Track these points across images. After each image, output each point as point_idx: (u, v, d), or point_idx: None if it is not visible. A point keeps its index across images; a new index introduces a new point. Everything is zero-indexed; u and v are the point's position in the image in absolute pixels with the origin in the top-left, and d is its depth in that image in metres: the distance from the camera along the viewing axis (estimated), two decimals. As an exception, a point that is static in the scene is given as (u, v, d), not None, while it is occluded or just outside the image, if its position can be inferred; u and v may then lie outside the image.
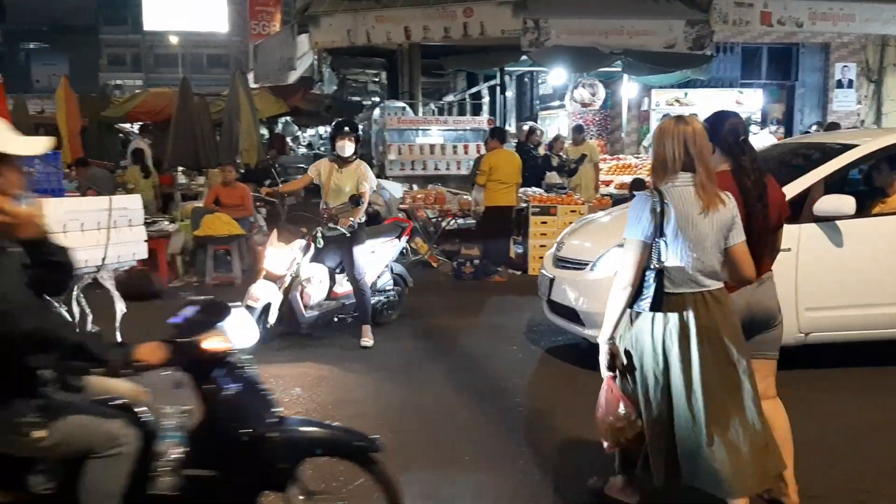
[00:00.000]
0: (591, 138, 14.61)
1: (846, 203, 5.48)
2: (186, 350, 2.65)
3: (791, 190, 5.68)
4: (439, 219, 11.07)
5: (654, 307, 3.25)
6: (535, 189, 10.88)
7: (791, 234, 5.53)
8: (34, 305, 2.57)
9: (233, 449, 2.73)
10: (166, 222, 10.13)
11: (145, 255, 5.41)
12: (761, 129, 15.23)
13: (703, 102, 15.15)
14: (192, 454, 2.70)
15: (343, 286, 6.98)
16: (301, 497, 2.87)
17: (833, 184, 5.74)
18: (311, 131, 27.04)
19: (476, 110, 19.87)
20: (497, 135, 10.24)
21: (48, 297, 2.79)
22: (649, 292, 3.25)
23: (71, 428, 2.58)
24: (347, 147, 6.63)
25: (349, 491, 3.06)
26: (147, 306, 8.34)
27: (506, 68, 17.01)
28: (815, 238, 5.58)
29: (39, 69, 41.03)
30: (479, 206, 9.97)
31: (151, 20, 41.52)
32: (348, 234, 6.50)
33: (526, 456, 4.43)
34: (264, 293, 6.26)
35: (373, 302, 6.98)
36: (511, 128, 17.71)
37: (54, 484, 2.61)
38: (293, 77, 17.42)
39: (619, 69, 14.29)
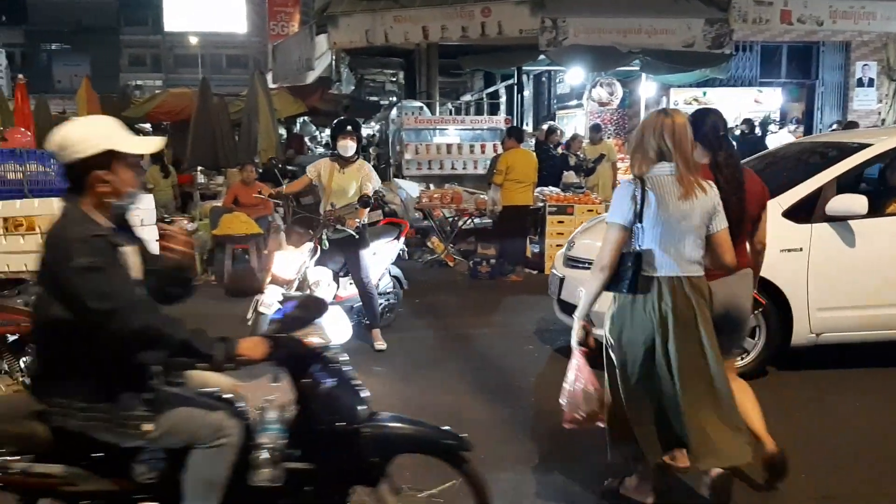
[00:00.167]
0: (608, 138, 14.56)
1: (858, 203, 5.44)
2: (286, 345, 2.70)
3: (803, 189, 5.65)
4: (456, 218, 11.09)
5: (631, 289, 3.39)
6: (552, 188, 10.87)
7: (803, 233, 5.52)
8: (143, 303, 2.62)
9: (329, 442, 2.78)
10: (185, 221, 10.22)
11: (156, 254, 5.49)
12: (780, 128, 15.12)
13: (722, 101, 15.05)
14: (289, 447, 2.74)
15: (347, 289, 6.78)
16: (391, 493, 2.90)
17: (847, 183, 5.70)
18: (328, 131, 27.11)
19: (493, 110, 19.86)
20: (514, 134, 10.24)
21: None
22: (627, 275, 3.39)
23: (177, 419, 2.63)
24: (350, 146, 6.42)
25: (438, 489, 3.08)
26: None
27: (523, 68, 16.98)
28: (828, 238, 5.54)
29: (61, 70, 41.46)
30: (496, 205, 9.98)
31: (171, 21, 41.86)
32: (356, 236, 6.33)
33: (541, 456, 4.44)
34: (275, 299, 6.08)
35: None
36: (528, 127, 17.70)
37: (157, 473, 2.66)
38: (311, 77, 17.51)
39: (638, 68, 14.24)
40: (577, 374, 3.54)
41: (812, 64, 16.27)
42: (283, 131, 18.86)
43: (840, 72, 16.19)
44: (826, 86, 16.29)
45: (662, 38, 12.88)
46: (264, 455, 2.68)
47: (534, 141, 14.08)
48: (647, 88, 15.44)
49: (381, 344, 6.56)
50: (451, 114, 20.98)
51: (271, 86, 16.62)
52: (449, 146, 13.92)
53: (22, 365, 4.67)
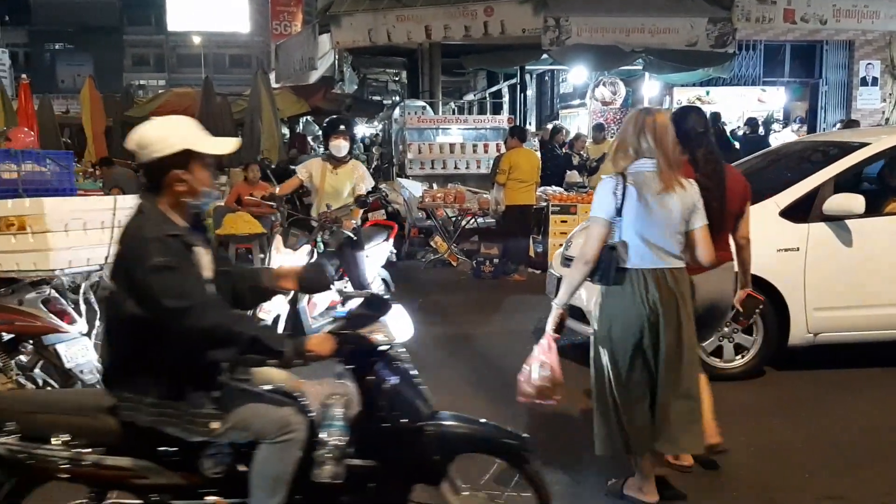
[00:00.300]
0: (612, 137, 14.55)
1: (856, 202, 5.43)
2: (352, 342, 2.72)
3: (800, 189, 5.64)
4: (459, 217, 11.09)
5: (610, 281, 3.52)
6: (555, 188, 10.87)
7: (800, 233, 5.51)
8: (214, 302, 2.66)
9: (392, 440, 2.79)
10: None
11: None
12: (784, 127, 15.10)
13: (726, 101, 15.07)
14: (352, 444, 2.75)
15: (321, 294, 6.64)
16: (452, 492, 2.90)
17: (845, 182, 5.69)
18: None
19: (496, 109, 19.85)
20: (517, 134, 10.24)
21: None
22: (602, 267, 3.53)
23: (245, 415, 2.66)
24: (343, 146, 6.31)
25: (498, 489, 3.07)
26: None
27: (526, 67, 16.99)
28: (825, 237, 5.52)
29: (64, 69, 41.49)
30: (499, 204, 9.98)
31: (175, 21, 41.88)
32: (354, 238, 6.20)
33: (543, 456, 4.42)
34: (274, 304, 5.84)
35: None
36: (531, 127, 17.68)
37: (223, 468, 2.68)
38: (314, 77, 17.53)
39: (641, 67, 14.24)
40: (544, 357, 3.65)
41: (815, 63, 16.24)
42: (286, 131, 18.88)
43: (843, 71, 16.15)
44: (829, 85, 16.25)
45: (665, 37, 12.86)
46: (327, 452, 2.70)
47: (538, 140, 14.09)
48: (650, 88, 15.44)
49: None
50: (453, 113, 20.99)
51: (274, 85, 16.62)
52: (452, 146, 13.92)
53: (15, 364, 4.68)
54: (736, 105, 15.08)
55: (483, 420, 3.08)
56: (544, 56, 14.22)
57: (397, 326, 2.87)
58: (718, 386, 5.46)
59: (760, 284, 5.38)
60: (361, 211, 6.36)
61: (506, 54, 15.32)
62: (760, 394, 5.48)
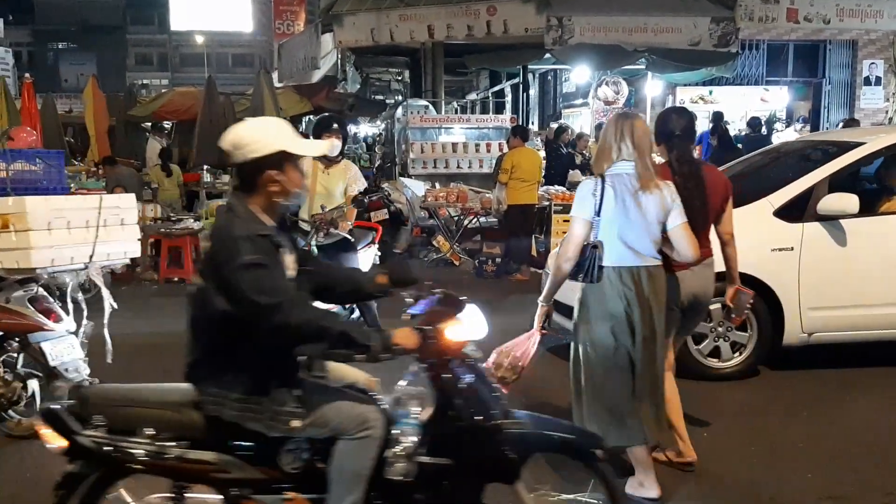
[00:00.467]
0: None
1: (850, 201, 5.43)
2: (434, 337, 2.72)
3: (794, 188, 5.64)
4: (461, 217, 11.09)
5: (590, 279, 3.69)
6: (557, 187, 10.87)
7: (794, 233, 5.51)
8: (303, 298, 2.71)
9: (467, 438, 2.78)
10: (191, 220, 10.25)
11: (138, 254, 5.45)
12: (787, 126, 15.07)
13: (728, 100, 15.04)
14: (426, 442, 2.76)
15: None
16: (527, 491, 2.90)
17: (841, 182, 5.68)
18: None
19: (499, 108, 19.85)
20: (519, 133, 10.24)
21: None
22: (587, 265, 3.68)
23: (325, 411, 2.69)
24: (336, 145, 6.06)
25: (570, 488, 3.09)
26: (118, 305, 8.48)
27: (529, 66, 17.00)
28: (819, 237, 5.53)
29: (67, 69, 41.57)
30: (502, 204, 9.98)
31: (178, 20, 41.87)
32: (352, 239, 6.04)
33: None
34: None
35: (355, 315, 6.30)
36: (534, 126, 17.68)
37: (302, 464, 2.71)
38: (317, 76, 17.52)
39: (643, 67, 14.22)
40: (524, 349, 3.81)
41: (819, 62, 16.20)
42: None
43: (847, 70, 16.11)
44: (833, 84, 16.21)
45: (668, 36, 12.85)
46: (400, 450, 2.71)
47: (543, 140, 14.07)
48: (652, 87, 15.43)
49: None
50: (456, 112, 21.01)
51: (277, 85, 16.62)
52: (454, 145, 13.92)
53: (1, 362, 4.71)
54: (739, 105, 15.05)
55: (557, 419, 3.11)
56: (547, 55, 14.21)
57: (472, 324, 2.88)
58: (716, 386, 5.50)
59: (755, 284, 5.41)
60: (355, 212, 6.20)
61: (508, 54, 15.31)
62: (760, 394, 5.48)
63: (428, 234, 11.42)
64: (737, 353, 5.61)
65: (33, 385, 4.72)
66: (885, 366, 5.93)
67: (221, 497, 2.74)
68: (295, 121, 20.03)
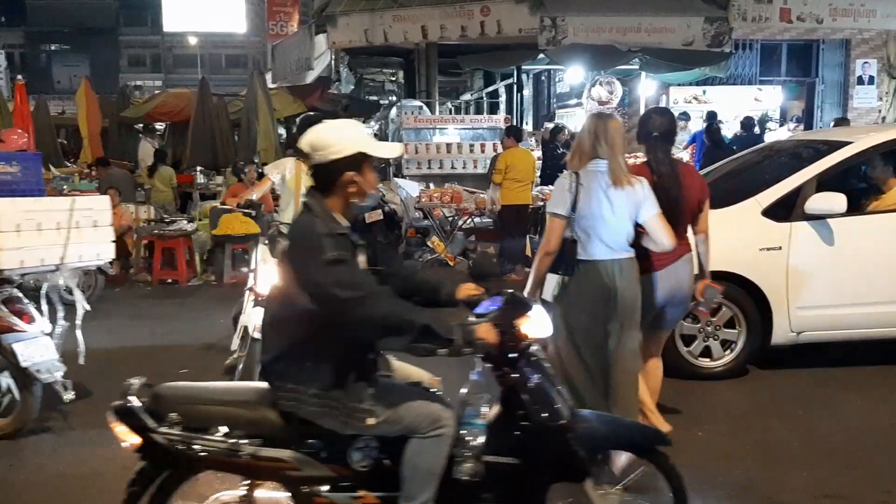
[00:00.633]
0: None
1: (837, 201, 5.44)
2: (509, 332, 2.74)
3: (782, 188, 5.65)
4: (456, 217, 11.08)
5: (568, 271, 3.88)
6: (552, 187, 10.85)
7: (782, 232, 5.52)
8: (386, 292, 2.72)
9: (536, 438, 2.79)
10: (185, 221, 10.22)
11: (111, 256, 5.43)
12: (780, 126, 15.09)
13: (722, 100, 15.05)
14: (493, 442, 2.77)
15: None
16: (595, 489, 2.90)
17: (829, 181, 5.69)
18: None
19: (493, 109, 19.85)
20: (513, 133, 10.23)
21: None
22: (566, 258, 3.86)
23: (401, 409, 2.71)
24: None
25: (636, 485, 3.09)
26: (109, 307, 8.45)
27: (523, 67, 16.98)
28: (807, 236, 5.53)
29: (60, 70, 41.43)
30: (496, 204, 9.97)
31: (171, 21, 41.72)
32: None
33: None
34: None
35: None
36: (528, 126, 17.68)
37: (371, 462, 2.72)
38: (311, 77, 17.51)
39: (637, 67, 14.22)
40: None
41: (812, 62, 16.25)
42: (282, 131, 18.85)
43: (840, 70, 16.16)
44: (826, 84, 16.26)
45: (662, 36, 12.86)
46: (467, 449, 2.73)
47: (538, 139, 14.06)
48: (646, 87, 15.43)
49: None
50: (450, 113, 20.99)
51: (270, 86, 16.59)
52: (448, 145, 13.91)
53: None
54: (732, 104, 15.07)
55: (619, 417, 3.18)
56: (541, 56, 14.21)
57: (540, 323, 2.90)
58: (710, 386, 5.50)
59: (743, 283, 5.43)
60: None
61: (502, 54, 15.31)
62: (754, 393, 5.48)
63: (422, 234, 11.40)
64: (727, 351, 5.62)
65: (7, 382, 4.74)
66: (875, 364, 5.94)
67: (290, 494, 2.75)
68: (289, 122, 20.03)
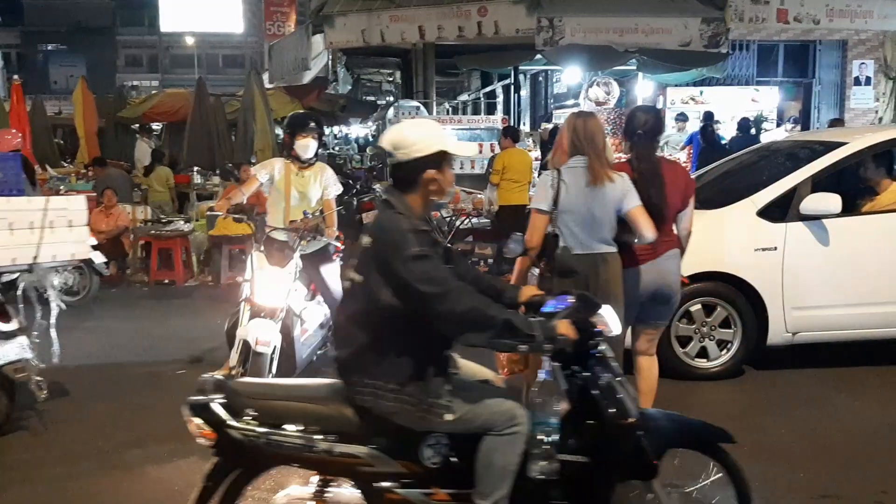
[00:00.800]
0: (605, 137, 14.54)
1: (832, 201, 5.45)
2: (586, 328, 2.78)
3: (777, 189, 5.66)
4: (453, 218, 11.06)
5: (549, 265, 3.96)
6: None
7: (777, 233, 5.53)
8: (468, 288, 2.76)
9: (606, 435, 2.81)
10: (181, 222, 10.21)
11: (86, 256, 5.46)
12: (777, 126, 15.11)
13: (719, 100, 15.06)
14: (563, 439, 2.78)
15: (310, 316, 5.72)
16: (662, 487, 2.92)
17: (824, 182, 5.70)
18: (325, 131, 27.13)
19: (490, 109, 19.86)
20: (510, 134, 10.23)
21: None
22: (548, 253, 3.95)
23: (477, 406, 2.73)
24: (311, 146, 5.54)
25: (699, 482, 3.13)
26: (106, 308, 8.44)
27: (520, 67, 16.99)
28: (802, 237, 5.55)
29: (57, 70, 41.32)
30: (493, 204, 9.97)
31: (168, 21, 41.72)
32: (341, 246, 5.65)
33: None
34: (270, 334, 4.85)
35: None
36: (525, 127, 17.67)
37: (441, 459, 2.73)
38: (308, 77, 17.47)
39: (634, 67, 14.23)
40: None
41: (809, 63, 16.25)
42: (279, 131, 18.82)
43: (837, 70, 16.17)
44: (823, 84, 16.27)
45: (659, 37, 12.85)
46: (541, 447, 2.73)
47: (536, 140, 14.06)
48: (643, 88, 15.44)
49: None
50: (448, 113, 21.00)
51: (267, 86, 16.55)
52: (446, 146, 13.88)
53: None
54: (729, 105, 15.07)
55: (682, 415, 3.17)
56: (538, 56, 14.20)
57: (611, 322, 2.93)
58: (706, 387, 5.51)
59: (738, 284, 5.44)
60: (336, 217, 5.75)
61: (499, 54, 15.30)
62: (751, 394, 5.49)
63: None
64: (723, 352, 5.63)
65: None
66: (870, 365, 5.95)
67: (360, 491, 2.77)
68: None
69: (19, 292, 5.00)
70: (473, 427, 2.72)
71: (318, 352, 5.85)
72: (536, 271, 4.24)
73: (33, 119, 14.43)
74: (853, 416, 5.04)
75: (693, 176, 7.21)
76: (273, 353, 4.89)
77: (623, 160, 4.36)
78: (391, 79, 23.10)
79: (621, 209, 3.98)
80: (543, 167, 10.72)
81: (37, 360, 4.88)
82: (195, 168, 14.11)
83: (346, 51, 16.70)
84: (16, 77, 14.59)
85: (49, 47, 43.44)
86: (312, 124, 5.60)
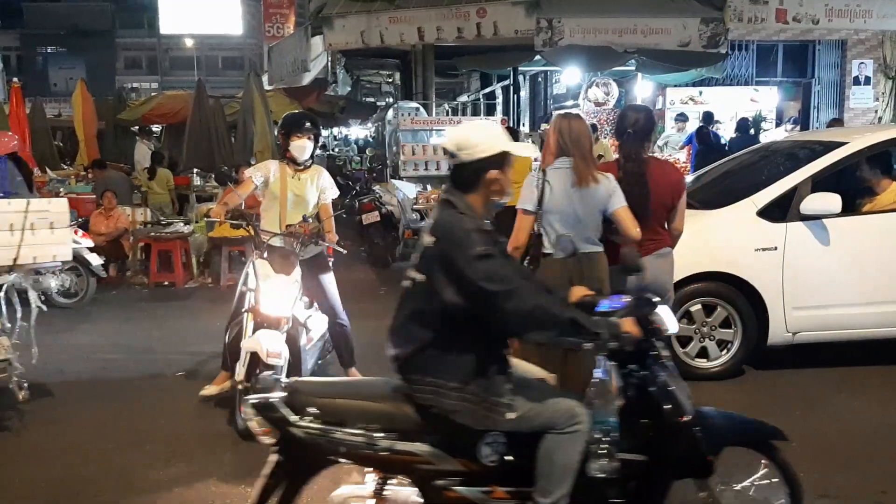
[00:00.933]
0: (605, 138, 14.56)
1: (832, 201, 5.45)
2: (648, 326, 2.81)
3: (777, 188, 5.66)
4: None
5: (533, 264, 4.01)
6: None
7: (777, 232, 5.53)
8: (533, 286, 2.81)
9: (663, 434, 2.83)
10: (181, 224, 10.20)
11: (68, 257, 5.47)
12: (776, 126, 15.11)
13: (719, 101, 15.06)
14: (622, 438, 2.79)
15: (315, 325, 5.37)
16: (718, 484, 2.93)
17: (824, 181, 5.69)
18: (324, 132, 27.18)
19: (490, 110, 19.87)
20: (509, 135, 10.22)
21: None
22: (532, 252, 4.02)
23: (538, 405, 2.75)
24: (307, 147, 5.26)
25: (753, 479, 3.14)
26: (105, 310, 8.45)
27: (519, 68, 16.99)
28: (802, 237, 5.55)
29: (57, 73, 41.37)
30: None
31: (167, 23, 41.79)
32: (344, 251, 5.33)
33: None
34: (280, 345, 4.62)
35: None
36: (525, 128, 17.67)
37: (498, 457, 2.73)
38: (307, 79, 17.47)
39: (633, 68, 14.22)
40: None
41: (808, 62, 16.24)
42: (279, 133, 18.83)
43: (836, 70, 16.16)
44: (822, 84, 16.26)
45: (658, 37, 12.84)
46: (600, 446, 2.75)
47: (535, 141, 14.03)
48: (643, 88, 15.44)
49: None
50: (447, 114, 21.01)
51: (267, 87, 16.56)
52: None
53: None
54: (729, 105, 15.08)
55: (734, 413, 3.21)
56: (537, 57, 14.20)
57: (669, 321, 2.93)
58: (707, 387, 5.50)
59: (739, 284, 5.44)
60: (333, 221, 5.50)
61: (499, 56, 15.31)
62: (750, 394, 5.48)
63: (420, 236, 11.37)
64: (723, 352, 5.63)
65: None
66: (871, 364, 5.94)
67: (417, 489, 2.78)
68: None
69: (1, 293, 5.02)
70: (534, 425, 2.73)
71: (319, 362, 5.64)
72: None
73: (33, 121, 14.44)
74: (853, 416, 5.04)
75: (692, 176, 7.23)
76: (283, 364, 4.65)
77: (613, 159, 4.48)
78: (390, 80, 23.10)
79: (607, 210, 4.04)
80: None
81: (18, 363, 4.89)
82: (195, 170, 14.11)
83: (346, 52, 16.70)
84: (15, 79, 14.61)
85: (49, 50, 43.52)
86: (308, 124, 5.31)
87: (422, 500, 2.79)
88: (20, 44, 42.73)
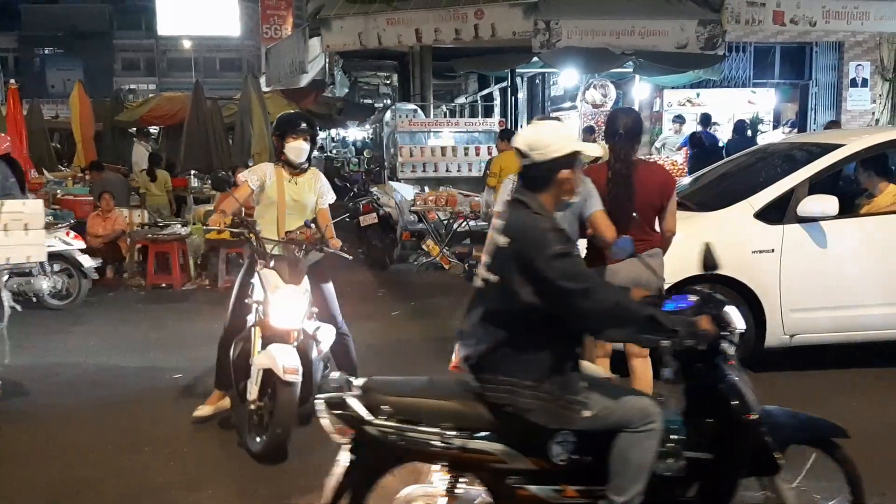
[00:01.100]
0: (602, 139, 14.57)
1: (830, 204, 5.45)
2: (721, 322, 2.85)
3: (774, 191, 5.66)
4: (451, 220, 11.07)
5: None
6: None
7: (775, 235, 5.53)
8: (609, 284, 2.85)
9: (731, 432, 2.83)
10: (179, 226, 10.19)
11: (42, 258, 5.50)
12: (773, 129, 15.12)
13: (716, 102, 15.08)
14: (690, 437, 2.81)
15: (324, 337, 4.97)
16: (785, 483, 2.93)
17: (821, 184, 5.70)
18: (322, 134, 27.18)
19: (487, 112, 19.86)
20: (507, 136, 10.22)
21: None
22: None
23: (612, 403, 2.76)
24: (304, 149, 4.99)
25: (815, 478, 3.18)
26: (102, 311, 8.43)
27: (517, 70, 16.99)
28: (800, 239, 5.55)
29: (54, 74, 41.36)
30: (491, 207, 9.95)
31: (165, 25, 41.80)
32: (349, 258, 5.03)
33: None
34: (295, 360, 4.33)
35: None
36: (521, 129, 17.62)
37: (568, 455, 2.74)
38: (305, 80, 17.48)
39: (631, 70, 14.25)
40: None
41: (805, 64, 16.27)
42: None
43: (833, 72, 16.19)
44: (819, 86, 16.29)
45: (655, 39, 12.87)
46: (669, 444, 2.76)
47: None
48: (640, 90, 15.47)
49: None
50: (445, 116, 20.99)
51: (264, 89, 16.56)
52: (443, 149, 13.91)
53: None
54: (726, 107, 15.10)
55: (797, 411, 3.23)
56: (535, 59, 14.21)
57: (738, 318, 2.97)
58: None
59: (736, 286, 5.44)
60: (332, 228, 5.20)
61: (496, 57, 15.31)
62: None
63: (417, 238, 11.39)
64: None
65: None
66: (868, 367, 5.94)
67: (485, 488, 2.78)
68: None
69: None
70: (609, 424, 2.73)
71: (325, 374, 5.15)
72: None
73: (30, 123, 14.42)
74: (853, 417, 5.02)
75: (689, 179, 7.24)
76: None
77: (601, 162, 4.43)
78: (388, 82, 23.09)
79: (583, 213, 4.11)
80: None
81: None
82: (192, 171, 14.10)
83: (343, 54, 16.69)
84: (13, 81, 14.59)
85: (46, 51, 43.51)
86: (304, 125, 5.03)
87: (491, 500, 2.80)
88: (18, 45, 42.72)
